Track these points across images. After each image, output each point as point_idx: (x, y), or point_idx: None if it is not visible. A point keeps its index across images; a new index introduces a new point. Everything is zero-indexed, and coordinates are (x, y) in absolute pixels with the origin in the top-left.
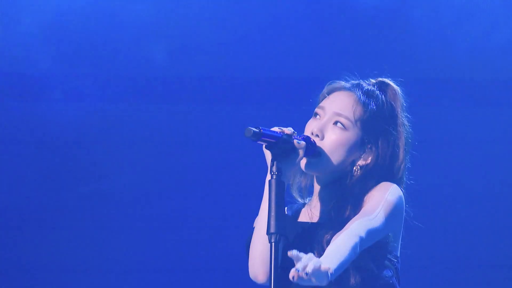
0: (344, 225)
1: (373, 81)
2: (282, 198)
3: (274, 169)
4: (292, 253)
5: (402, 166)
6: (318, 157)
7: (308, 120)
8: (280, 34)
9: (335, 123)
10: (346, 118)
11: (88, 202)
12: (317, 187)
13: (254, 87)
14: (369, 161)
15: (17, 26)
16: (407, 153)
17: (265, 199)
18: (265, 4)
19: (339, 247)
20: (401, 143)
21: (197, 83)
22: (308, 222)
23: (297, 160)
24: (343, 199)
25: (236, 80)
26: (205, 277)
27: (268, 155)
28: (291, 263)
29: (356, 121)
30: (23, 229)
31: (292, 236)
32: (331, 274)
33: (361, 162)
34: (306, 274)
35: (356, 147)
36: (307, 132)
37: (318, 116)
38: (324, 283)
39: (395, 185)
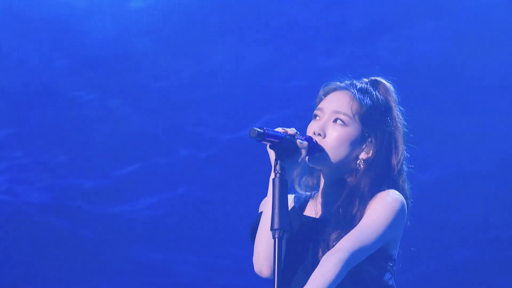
0: (351, 224)
1: (366, 80)
2: (285, 195)
3: (277, 168)
4: None
5: (401, 157)
6: (322, 153)
7: (308, 124)
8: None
9: (335, 120)
10: (345, 114)
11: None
12: (323, 183)
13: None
14: (370, 154)
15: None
16: (404, 144)
17: (269, 197)
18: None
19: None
20: (398, 134)
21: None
22: (314, 218)
23: (300, 160)
24: (350, 195)
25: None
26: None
27: (272, 154)
28: (295, 257)
29: (354, 116)
30: None
31: (297, 229)
32: None
33: (363, 156)
34: None
35: (358, 141)
36: (309, 134)
37: (317, 118)
38: None
39: (395, 194)
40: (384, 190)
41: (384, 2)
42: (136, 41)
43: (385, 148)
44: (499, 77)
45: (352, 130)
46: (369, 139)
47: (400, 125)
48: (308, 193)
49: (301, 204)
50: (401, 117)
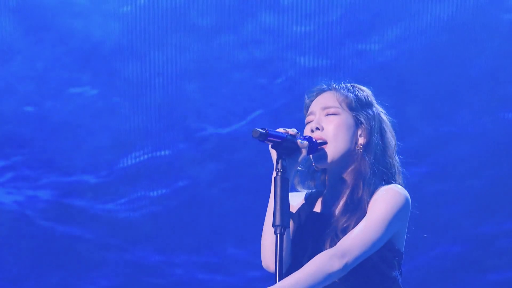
0: (358, 206)
1: (343, 84)
2: (286, 193)
3: (279, 167)
4: None
5: (394, 146)
6: (324, 146)
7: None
8: None
9: (327, 115)
10: (334, 107)
11: None
12: (330, 181)
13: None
14: (366, 139)
15: None
16: (391, 131)
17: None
18: None
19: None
20: (385, 123)
21: None
22: (323, 213)
23: (300, 158)
24: (355, 180)
25: None
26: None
27: (273, 154)
28: (304, 252)
29: (342, 106)
30: None
31: (307, 226)
32: None
33: (361, 141)
34: None
35: (353, 127)
36: (307, 134)
37: (311, 119)
38: None
39: (398, 187)
40: (389, 184)
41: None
42: (135, 37)
43: (377, 133)
44: (478, 76)
45: (345, 117)
46: (362, 125)
47: (385, 116)
48: (319, 190)
49: (312, 201)
50: (384, 111)
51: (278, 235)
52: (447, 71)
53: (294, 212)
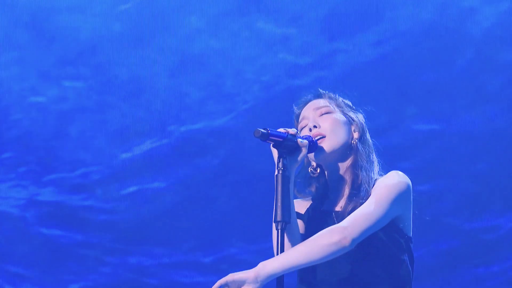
0: (359, 192)
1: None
2: (287, 190)
3: (280, 165)
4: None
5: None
6: (323, 140)
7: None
8: None
9: (321, 115)
10: (326, 107)
11: None
12: (331, 177)
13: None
14: (359, 133)
15: None
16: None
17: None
18: None
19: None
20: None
21: None
22: (331, 211)
23: (300, 157)
24: (353, 169)
25: None
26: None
27: (275, 153)
28: None
29: (332, 106)
30: None
31: (317, 224)
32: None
33: (356, 135)
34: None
35: (347, 123)
36: (305, 133)
37: (306, 123)
38: None
39: (398, 173)
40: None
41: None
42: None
43: (366, 130)
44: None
45: (338, 115)
46: (354, 122)
47: (361, 114)
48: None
49: (319, 200)
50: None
51: (279, 230)
52: (429, 69)
53: (303, 213)
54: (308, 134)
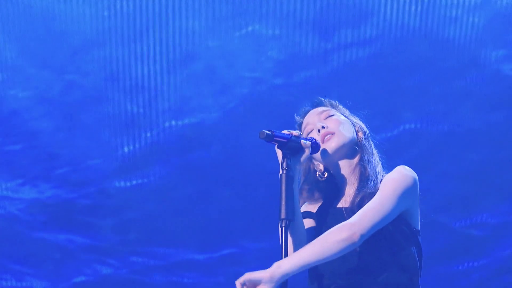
0: (367, 183)
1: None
2: (291, 189)
3: (284, 165)
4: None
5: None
6: (331, 136)
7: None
8: None
9: (326, 118)
10: (328, 110)
11: None
12: (339, 177)
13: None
14: (363, 133)
15: None
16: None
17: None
18: None
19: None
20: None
21: None
22: (341, 207)
23: (303, 157)
24: (363, 169)
25: None
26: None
27: (279, 153)
28: None
29: (335, 111)
30: None
31: (330, 221)
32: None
33: (360, 134)
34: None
35: (350, 124)
36: (313, 136)
37: (311, 129)
38: None
39: (405, 168)
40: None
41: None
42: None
43: (367, 132)
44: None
45: (342, 117)
46: (356, 123)
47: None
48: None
49: (330, 199)
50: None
51: (284, 227)
52: (413, 69)
53: (315, 211)
54: (317, 135)
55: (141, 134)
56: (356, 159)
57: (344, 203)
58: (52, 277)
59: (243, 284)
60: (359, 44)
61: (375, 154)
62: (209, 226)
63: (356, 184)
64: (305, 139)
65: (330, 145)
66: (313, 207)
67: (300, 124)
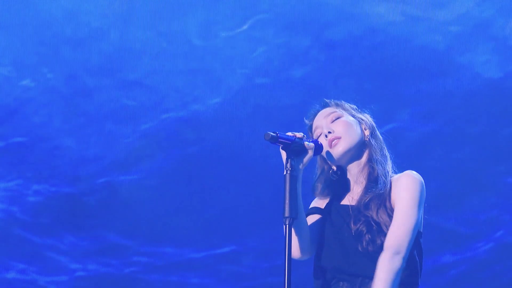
0: (376, 183)
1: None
2: (294, 188)
3: (288, 166)
4: None
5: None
6: (338, 140)
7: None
8: None
9: (332, 121)
10: (335, 112)
11: None
12: (350, 174)
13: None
14: (370, 130)
15: None
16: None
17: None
18: None
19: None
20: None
21: None
22: (348, 205)
23: (306, 159)
24: (369, 163)
25: None
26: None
27: (283, 154)
28: (334, 240)
29: (341, 110)
30: None
31: (334, 219)
32: None
33: (367, 132)
34: None
35: (358, 124)
36: (321, 140)
37: (320, 133)
38: None
39: (414, 174)
40: (404, 172)
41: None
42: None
43: (374, 126)
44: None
45: (348, 117)
46: (363, 121)
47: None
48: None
49: (339, 196)
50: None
51: (287, 225)
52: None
53: (323, 207)
54: (325, 140)
55: (139, 126)
56: (364, 158)
57: (351, 200)
58: (52, 273)
59: None
60: (346, 44)
61: (385, 151)
62: (207, 222)
63: (364, 183)
64: (309, 141)
65: (337, 150)
66: (322, 203)
67: (310, 127)
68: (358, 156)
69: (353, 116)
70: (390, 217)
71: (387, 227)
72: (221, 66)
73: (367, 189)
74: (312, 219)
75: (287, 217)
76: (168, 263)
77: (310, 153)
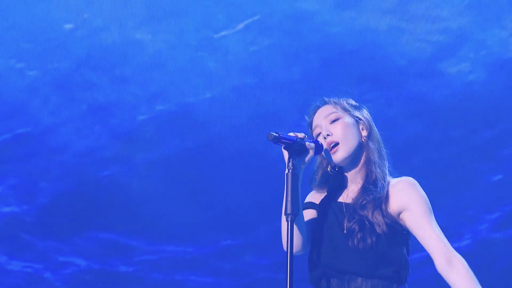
0: (375, 186)
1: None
2: (296, 187)
3: (290, 165)
4: None
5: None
6: (338, 147)
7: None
8: None
9: (331, 122)
10: (334, 113)
11: None
12: (347, 173)
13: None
14: (367, 130)
15: None
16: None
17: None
18: None
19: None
20: (370, 118)
21: None
22: (342, 202)
23: (307, 158)
24: (366, 165)
25: None
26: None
27: (285, 154)
28: (329, 236)
29: (340, 111)
30: None
31: (328, 215)
32: None
33: (364, 133)
34: None
35: (355, 124)
36: (320, 141)
37: (319, 132)
38: None
39: (413, 180)
40: (401, 177)
41: None
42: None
43: (373, 125)
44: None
45: (346, 118)
46: (361, 121)
47: (366, 111)
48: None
49: (334, 193)
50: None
51: (289, 222)
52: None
53: (318, 203)
54: (324, 141)
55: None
56: (362, 160)
57: (346, 198)
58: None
59: None
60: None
61: (382, 152)
62: (207, 220)
63: (361, 183)
64: (309, 141)
65: (336, 157)
66: (317, 198)
67: (310, 124)
68: (356, 158)
69: (351, 115)
70: (385, 218)
71: (380, 227)
72: (215, 64)
73: (364, 190)
74: (306, 214)
75: (289, 214)
76: (170, 261)
77: (311, 152)
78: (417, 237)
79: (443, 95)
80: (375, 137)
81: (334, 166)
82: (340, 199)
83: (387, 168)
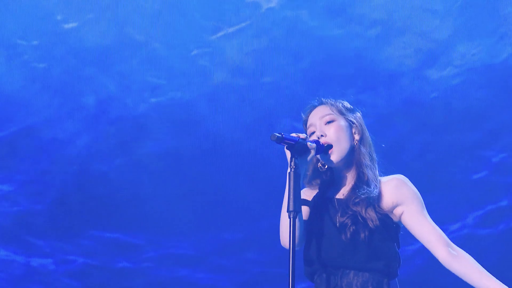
0: (368, 185)
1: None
2: (298, 185)
3: (292, 164)
4: None
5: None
6: (331, 150)
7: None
8: None
9: (326, 123)
10: (329, 114)
11: None
12: (337, 173)
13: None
14: (359, 134)
15: None
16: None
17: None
18: None
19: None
20: (363, 120)
21: None
22: (333, 198)
23: (309, 157)
24: (361, 173)
25: None
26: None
27: (288, 153)
28: (323, 231)
29: (335, 112)
30: None
31: (320, 211)
32: None
33: (357, 137)
34: None
35: (349, 128)
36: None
37: (314, 131)
38: None
39: (405, 177)
40: (392, 175)
41: None
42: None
43: (365, 129)
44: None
45: (340, 121)
46: (354, 125)
47: (359, 114)
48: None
49: (326, 190)
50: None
51: (292, 219)
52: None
53: (310, 199)
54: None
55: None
56: (354, 162)
57: (338, 194)
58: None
59: None
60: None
61: (373, 155)
62: (208, 217)
63: (352, 183)
64: (311, 142)
65: (330, 159)
66: (310, 195)
67: (305, 121)
68: (348, 161)
69: (345, 119)
70: (378, 214)
71: (373, 222)
72: (209, 64)
73: (357, 188)
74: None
75: (291, 211)
76: (172, 258)
77: (312, 152)
78: (415, 233)
79: (429, 99)
80: (366, 141)
81: (323, 164)
82: (332, 195)
83: (377, 170)
